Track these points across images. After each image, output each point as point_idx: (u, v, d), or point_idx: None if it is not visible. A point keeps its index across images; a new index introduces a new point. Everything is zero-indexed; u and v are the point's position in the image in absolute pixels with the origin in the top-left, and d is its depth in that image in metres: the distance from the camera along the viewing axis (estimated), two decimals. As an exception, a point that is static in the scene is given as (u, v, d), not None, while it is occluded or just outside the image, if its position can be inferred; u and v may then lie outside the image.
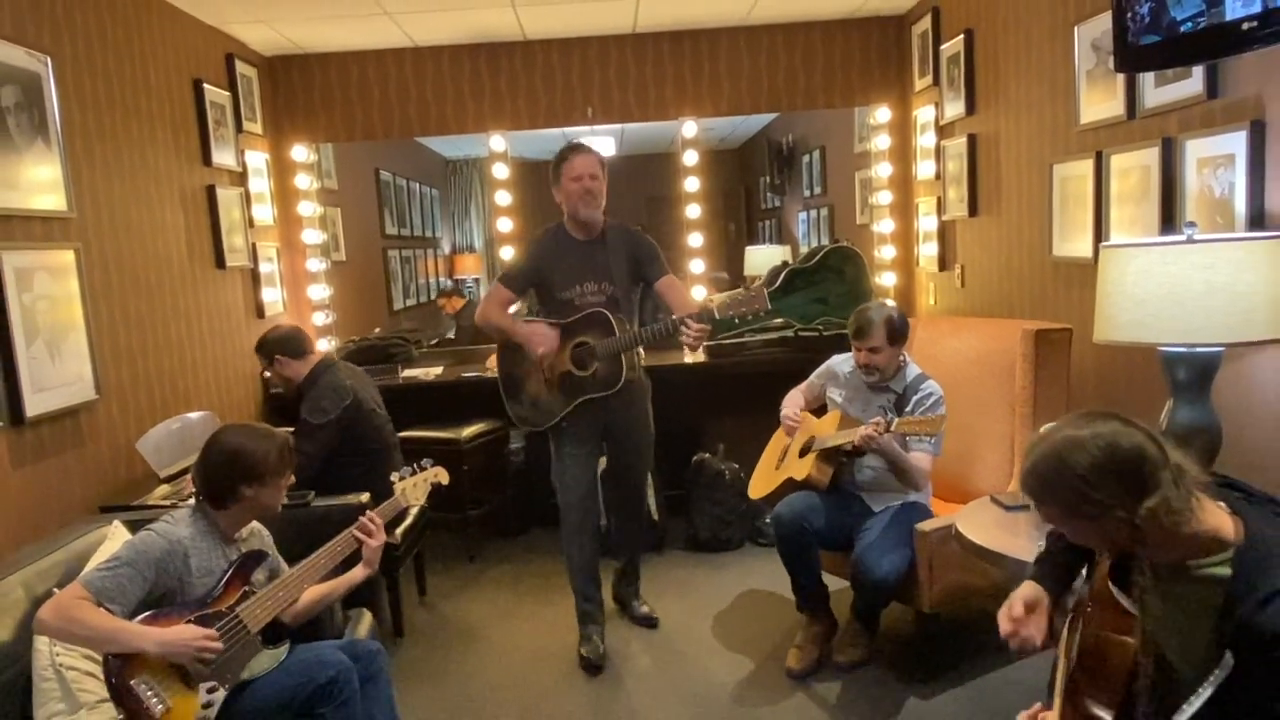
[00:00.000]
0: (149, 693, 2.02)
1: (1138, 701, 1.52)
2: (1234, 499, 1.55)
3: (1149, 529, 1.45)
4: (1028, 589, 1.84)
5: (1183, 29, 2.18)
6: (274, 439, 2.32)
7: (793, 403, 3.44)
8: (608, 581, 3.75)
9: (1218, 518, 1.50)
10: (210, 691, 2.09)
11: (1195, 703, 1.43)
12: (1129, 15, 2.37)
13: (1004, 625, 1.81)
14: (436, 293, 7.72)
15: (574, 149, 3.30)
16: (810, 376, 3.48)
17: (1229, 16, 2.05)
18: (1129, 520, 1.45)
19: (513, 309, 3.54)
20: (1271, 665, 1.36)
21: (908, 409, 3.11)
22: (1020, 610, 1.79)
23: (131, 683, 2.01)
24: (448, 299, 6.97)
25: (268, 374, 3.68)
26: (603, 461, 3.64)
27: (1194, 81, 2.57)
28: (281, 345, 3.56)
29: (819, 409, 3.43)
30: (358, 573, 2.46)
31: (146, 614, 2.10)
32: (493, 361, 4.83)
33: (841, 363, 3.33)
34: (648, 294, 3.51)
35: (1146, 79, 2.80)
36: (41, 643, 2.12)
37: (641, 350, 3.50)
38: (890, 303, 3.12)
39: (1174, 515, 1.44)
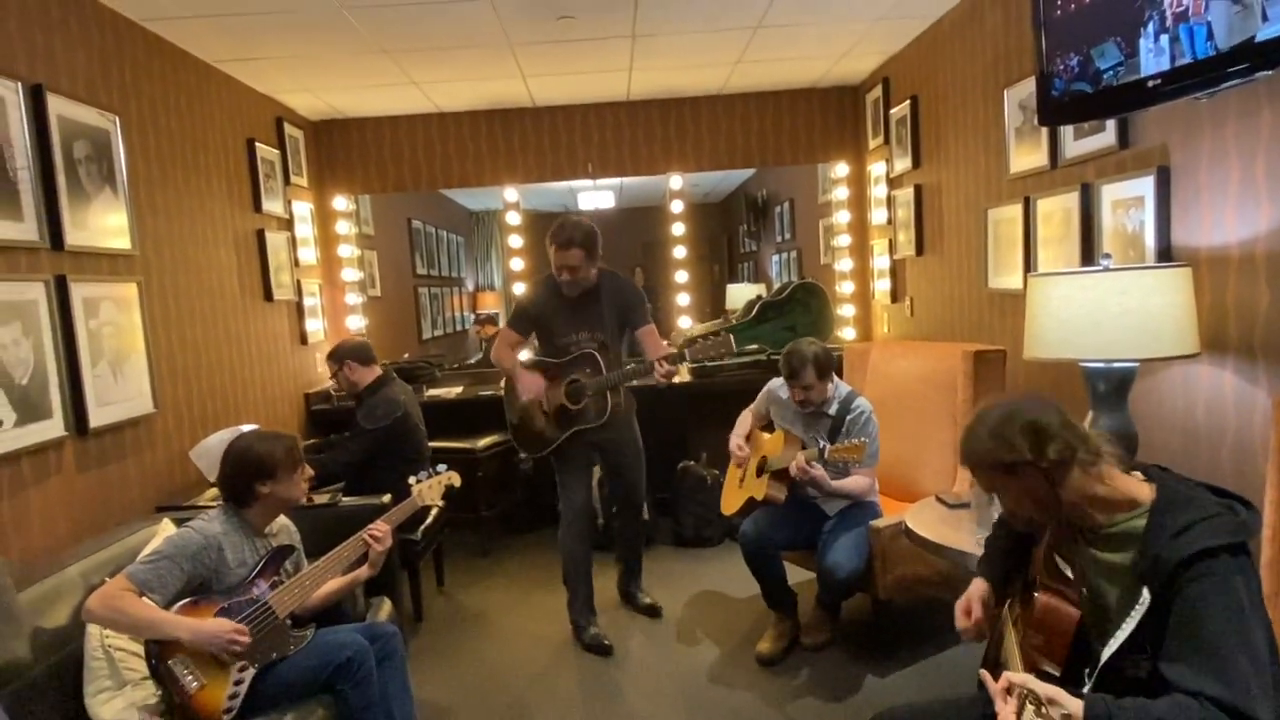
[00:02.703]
0: (185, 672, 1.95)
1: (1076, 651, 1.48)
2: (1150, 469, 1.53)
3: (1058, 478, 1.44)
4: (980, 588, 1.79)
5: (1105, 77, 2.13)
6: (280, 439, 2.24)
7: (742, 427, 3.35)
8: (610, 576, 3.69)
9: (1131, 483, 1.48)
10: (241, 670, 2.01)
11: (1119, 638, 1.38)
12: (1060, 66, 2.33)
13: (961, 621, 1.76)
14: (474, 320, 7.73)
15: (558, 240, 3.10)
16: (757, 398, 3.37)
17: (1143, 71, 2.00)
18: (1039, 469, 1.44)
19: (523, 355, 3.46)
20: (1181, 593, 1.30)
21: (843, 428, 3.02)
22: (979, 611, 1.75)
23: (169, 663, 1.94)
24: (483, 326, 6.96)
25: (334, 379, 3.66)
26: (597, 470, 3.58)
27: (1108, 134, 2.54)
28: (353, 352, 3.63)
29: (769, 424, 3.35)
30: (362, 573, 2.38)
31: (186, 600, 2.03)
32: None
33: (780, 387, 3.18)
34: (630, 338, 3.43)
35: (1066, 133, 2.77)
36: (93, 625, 2.04)
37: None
38: (813, 341, 3.04)
39: (1077, 464, 1.43)
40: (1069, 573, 1.54)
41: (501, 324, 6.91)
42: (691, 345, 3.10)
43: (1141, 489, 1.47)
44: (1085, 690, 1.41)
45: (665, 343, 3.39)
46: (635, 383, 3.28)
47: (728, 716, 2.73)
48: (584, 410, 3.21)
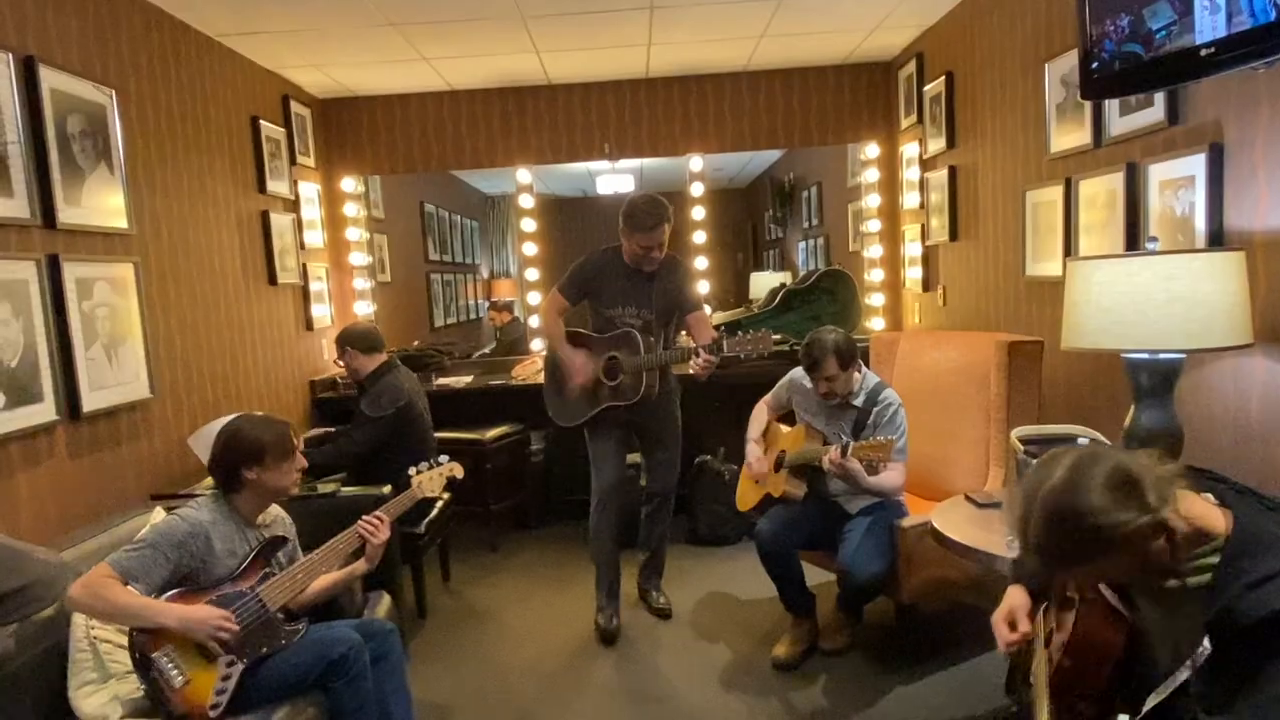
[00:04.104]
0: (170, 665, 1.93)
1: (1116, 689, 1.38)
2: (1221, 490, 1.37)
3: (1170, 520, 1.25)
4: (1021, 600, 1.67)
5: (1159, 37, 2.04)
6: (273, 425, 2.23)
7: (758, 423, 3.30)
8: (631, 571, 3.63)
9: (1205, 510, 1.32)
10: (229, 665, 1.99)
11: (1169, 686, 1.28)
12: (1109, 27, 2.23)
13: (1005, 634, 1.63)
14: (489, 306, 7.71)
15: (645, 224, 3.14)
16: (775, 387, 3.31)
17: (1197, 37, 1.91)
18: (1155, 521, 1.23)
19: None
20: (1251, 651, 1.19)
21: (870, 421, 2.94)
22: (1025, 624, 1.62)
23: (154, 655, 1.93)
24: (498, 313, 6.94)
25: (340, 362, 3.68)
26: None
27: (1156, 109, 2.44)
28: (354, 339, 3.62)
29: (787, 414, 3.28)
30: (359, 567, 2.35)
31: (173, 591, 2.01)
32: (518, 370, 4.79)
33: (804, 376, 3.09)
34: (679, 321, 3.43)
35: (1111, 110, 2.68)
36: (79, 616, 2.03)
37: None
38: (835, 329, 2.96)
39: (1175, 496, 1.26)
40: (1115, 603, 1.43)
41: (517, 311, 6.90)
42: (730, 337, 3.06)
43: (1215, 516, 1.31)
44: None
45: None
46: (674, 370, 3.32)
47: (741, 723, 2.68)
48: (618, 388, 3.25)
